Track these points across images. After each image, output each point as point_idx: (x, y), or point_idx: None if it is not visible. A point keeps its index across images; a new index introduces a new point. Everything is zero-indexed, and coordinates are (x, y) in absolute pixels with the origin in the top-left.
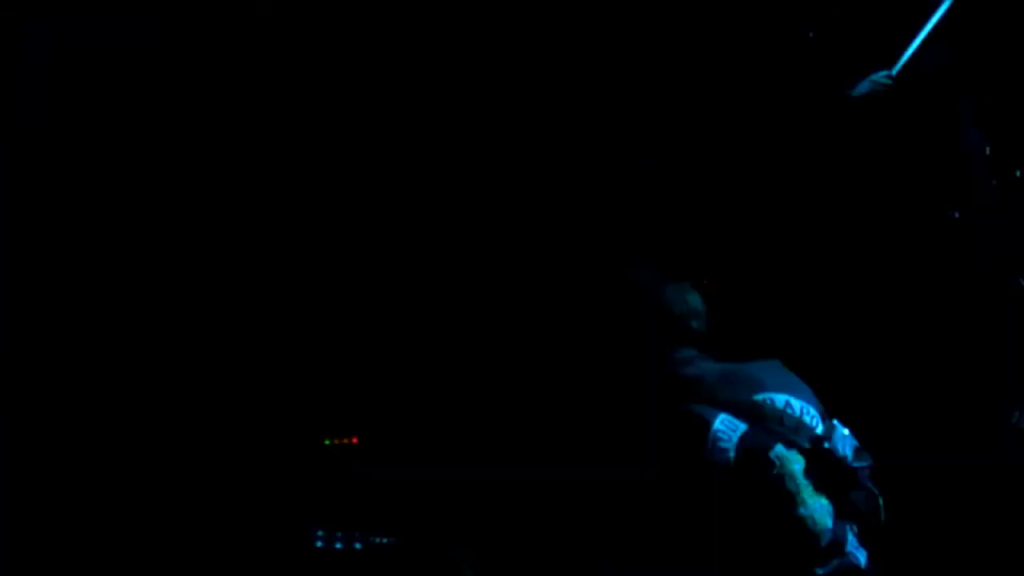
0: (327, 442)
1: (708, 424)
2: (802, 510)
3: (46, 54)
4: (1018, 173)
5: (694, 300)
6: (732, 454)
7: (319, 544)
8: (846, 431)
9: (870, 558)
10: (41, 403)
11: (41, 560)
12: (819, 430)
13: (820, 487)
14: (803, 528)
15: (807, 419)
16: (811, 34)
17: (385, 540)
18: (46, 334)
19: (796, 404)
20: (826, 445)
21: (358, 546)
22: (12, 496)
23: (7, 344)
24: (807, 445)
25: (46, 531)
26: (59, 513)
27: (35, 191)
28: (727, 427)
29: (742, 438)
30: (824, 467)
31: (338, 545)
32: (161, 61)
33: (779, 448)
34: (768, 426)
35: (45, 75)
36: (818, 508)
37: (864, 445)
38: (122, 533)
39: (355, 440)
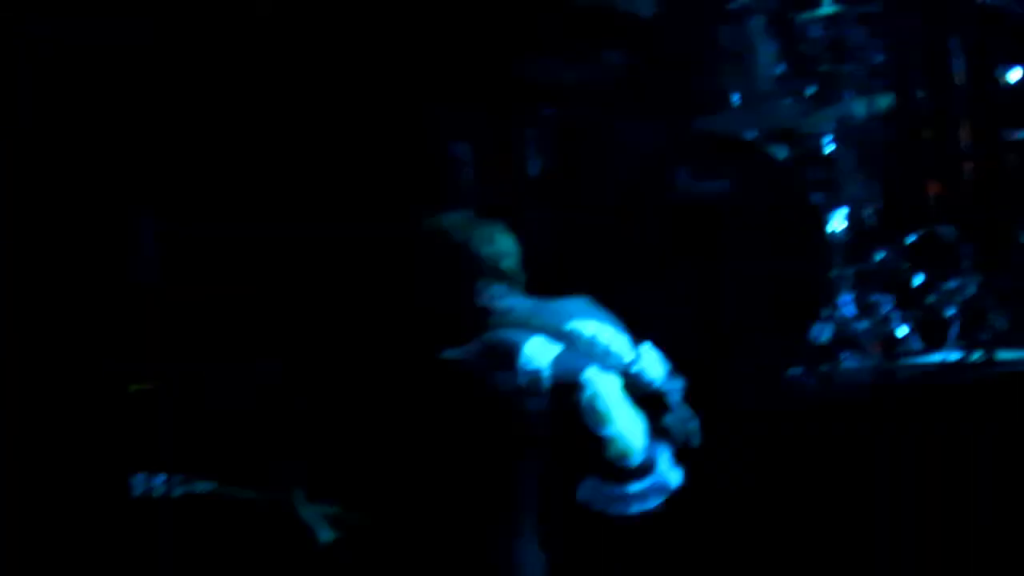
0: (132, 388)
1: (519, 345)
2: (612, 430)
3: (46, 54)
4: None
5: (504, 241)
6: (545, 374)
7: (139, 491)
8: (656, 355)
9: (685, 477)
10: (41, 402)
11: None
12: (628, 356)
13: (632, 409)
14: (615, 447)
15: (616, 345)
16: None
17: (211, 487)
18: (46, 333)
19: (604, 331)
20: (635, 370)
21: (179, 492)
22: (12, 496)
23: (7, 344)
24: (618, 368)
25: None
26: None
27: (35, 191)
28: (538, 349)
29: (555, 361)
30: (635, 389)
31: (160, 492)
32: (161, 61)
33: (590, 370)
34: (579, 351)
35: (45, 75)
36: (629, 428)
37: (675, 369)
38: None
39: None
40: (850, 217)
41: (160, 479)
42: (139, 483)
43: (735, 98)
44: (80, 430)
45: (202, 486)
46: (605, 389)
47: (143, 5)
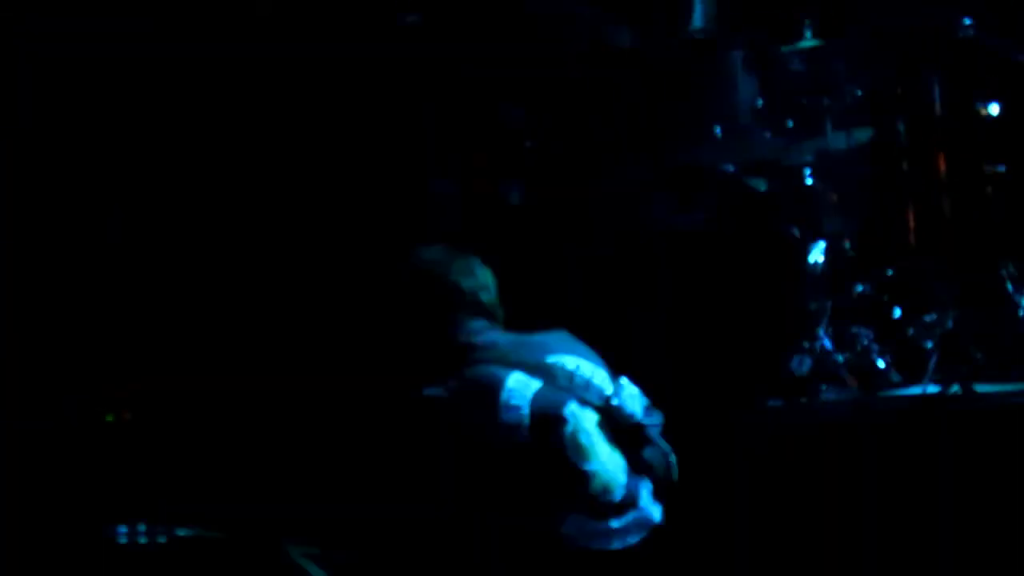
0: (109, 418)
1: (501, 381)
2: (595, 465)
3: (46, 55)
4: None
5: (483, 274)
6: (526, 411)
7: (123, 540)
8: (635, 390)
9: (664, 514)
10: (40, 402)
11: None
12: (609, 390)
13: (612, 444)
14: (598, 483)
15: (597, 379)
16: None
17: (191, 532)
18: (45, 334)
19: (585, 365)
20: (616, 403)
21: (163, 540)
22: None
23: (7, 344)
24: (598, 403)
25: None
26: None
27: (35, 191)
28: (520, 385)
29: (535, 396)
30: (615, 425)
31: (142, 540)
32: (161, 61)
33: (571, 405)
34: (560, 385)
35: (45, 76)
36: (611, 463)
37: (653, 404)
38: None
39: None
40: (829, 250)
41: (143, 526)
42: (122, 531)
43: (716, 130)
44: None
45: (185, 531)
46: (586, 424)
47: (143, 5)
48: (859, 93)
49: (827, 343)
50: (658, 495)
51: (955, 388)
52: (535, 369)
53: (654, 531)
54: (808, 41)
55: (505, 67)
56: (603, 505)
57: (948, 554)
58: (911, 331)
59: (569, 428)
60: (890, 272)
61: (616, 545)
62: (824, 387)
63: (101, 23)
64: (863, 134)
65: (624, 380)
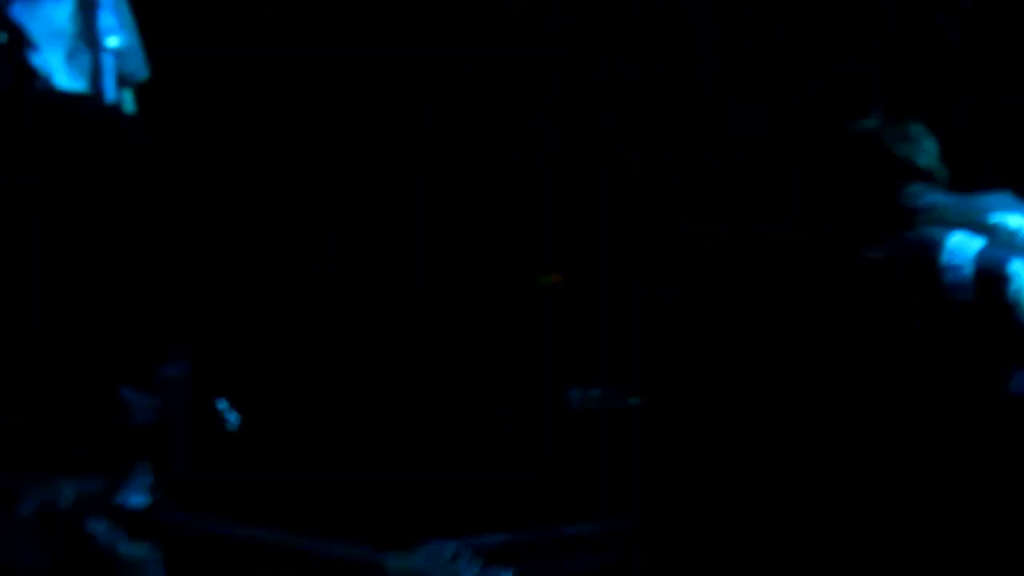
0: (543, 280)
1: (941, 242)
2: None
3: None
4: None
5: (921, 138)
6: (969, 271)
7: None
8: None
9: None
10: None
11: None
12: None
13: None
14: None
15: None
16: None
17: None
18: (45, 335)
19: None
20: None
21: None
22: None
23: (7, 345)
24: None
25: None
26: None
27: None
28: (961, 245)
29: (978, 255)
30: None
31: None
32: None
33: (1016, 263)
34: (1003, 243)
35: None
36: None
37: None
38: None
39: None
40: None
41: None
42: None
43: None
44: None
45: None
46: None
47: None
48: None
49: None
50: None
51: None
52: (977, 228)
53: None
54: None
55: None
56: None
57: None
58: None
59: (1014, 286)
60: None
61: None
62: None
63: None
64: None
65: None
